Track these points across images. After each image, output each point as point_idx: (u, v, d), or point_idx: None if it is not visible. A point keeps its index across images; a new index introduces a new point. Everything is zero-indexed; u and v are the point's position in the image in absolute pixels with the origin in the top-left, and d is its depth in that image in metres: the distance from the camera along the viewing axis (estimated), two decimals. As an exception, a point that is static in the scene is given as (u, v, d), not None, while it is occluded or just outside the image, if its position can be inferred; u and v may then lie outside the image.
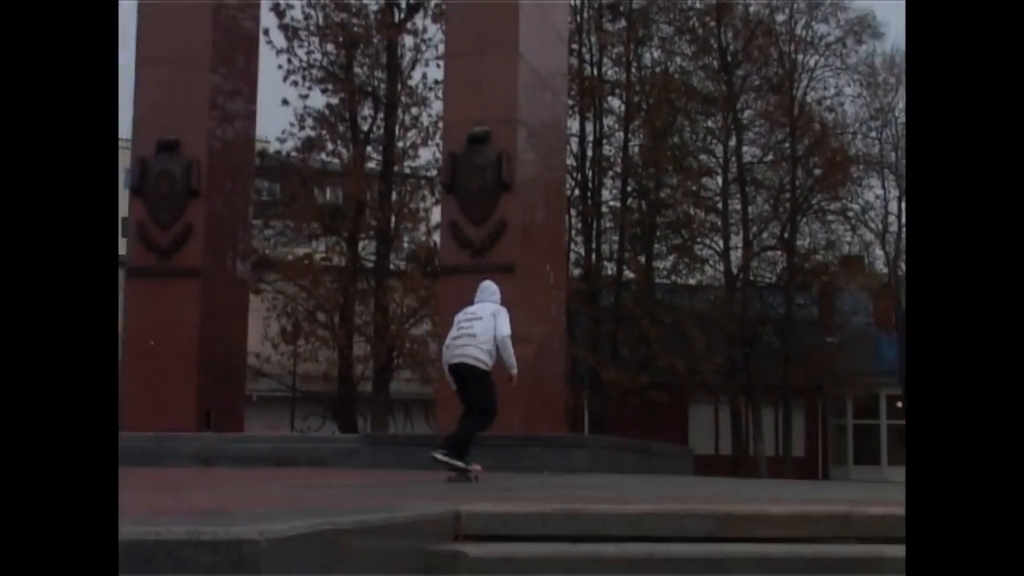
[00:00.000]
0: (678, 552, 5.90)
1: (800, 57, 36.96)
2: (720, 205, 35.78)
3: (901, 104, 37.83)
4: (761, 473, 32.34)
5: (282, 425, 34.43)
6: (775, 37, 36.16)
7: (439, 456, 10.81)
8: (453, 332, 11.45)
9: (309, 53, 29.79)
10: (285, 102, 29.34)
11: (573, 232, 32.99)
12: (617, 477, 14.21)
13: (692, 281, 36.06)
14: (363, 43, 29.93)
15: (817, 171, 36.05)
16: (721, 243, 35.72)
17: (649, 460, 19.90)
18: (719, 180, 36.29)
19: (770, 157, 37.16)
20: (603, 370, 31.79)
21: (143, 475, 10.28)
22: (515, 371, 11.35)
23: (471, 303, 11.74)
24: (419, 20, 30.29)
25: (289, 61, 29.41)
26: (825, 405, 39.49)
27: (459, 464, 10.84)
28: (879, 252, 38.84)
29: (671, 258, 35.78)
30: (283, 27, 29.43)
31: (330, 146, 30.21)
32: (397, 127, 29.97)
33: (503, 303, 11.65)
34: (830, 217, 37.33)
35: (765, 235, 36.75)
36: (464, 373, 11.22)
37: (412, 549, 5.54)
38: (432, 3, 29.76)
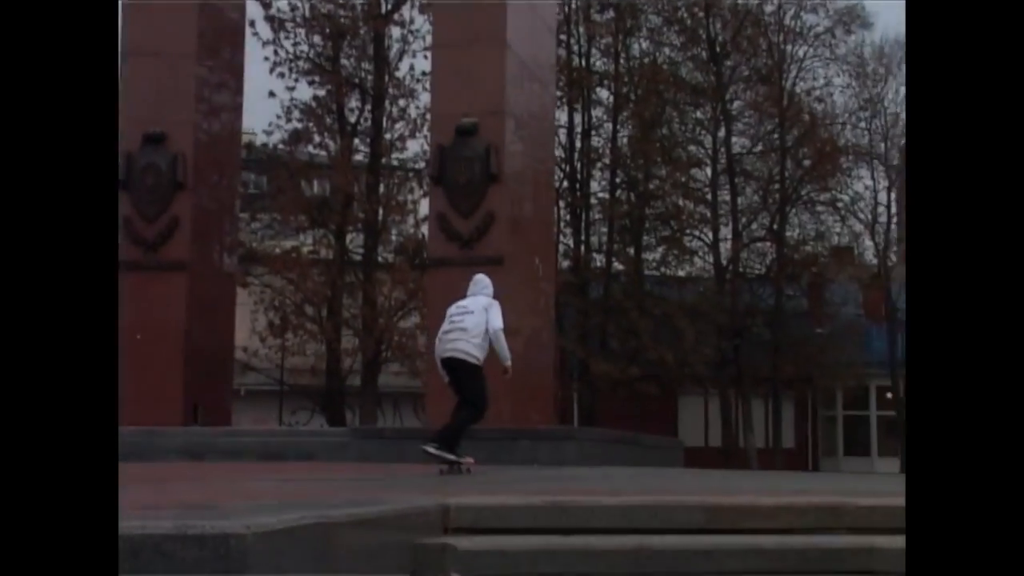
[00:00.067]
0: (668, 544, 5.89)
1: (789, 47, 36.83)
2: (709, 196, 35.68)
3: (890, 95, 37.93)
4: (751, 465, 32.32)
5: (270, 419, 34.36)
6: (764, 27, 36.06)
7: (431, 449, 10.88)
8: (445, 326, 11.48)
9: (295, 45, 29.78)
10: (272, 94, 29.29)
11: (562, 224, 32.96)
12: (607, 469, 14.24)
13: (681, 273, 35.98)
14: (350, 34, 29.87)
15: (806, 162, 35.98)
16: (710, 234, 35.65)
17: (639, 452, 19.86)
18: (708, 171, 36.24)
19: (759, 148, 37.07)
20: (592, 362, 31.73)
21: (130, 470, 10.10)
22: (509, 363, 11.40)
23: (463, 296, 11.74)
24: (406, 11, 30.30)
25: (275, 53, 29.39)
26: (815, 396, 39.45)
27: (450, 457, 10.89)
28: (868, 243, 38.80)
29: (660, 250, 35.71)
30: (269, 18, 29.34)
31: (317, 138, 30.20)
32: (385, 119, 29.94)
33: (495, 296, 11.64)
34: (819, 208, 37.23)
35: (754, 226, 36.67)
36: (455, 367, 11.26)
37: (401, 542, 5.52)
38: (419, -6, 29.68)
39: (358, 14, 29.94)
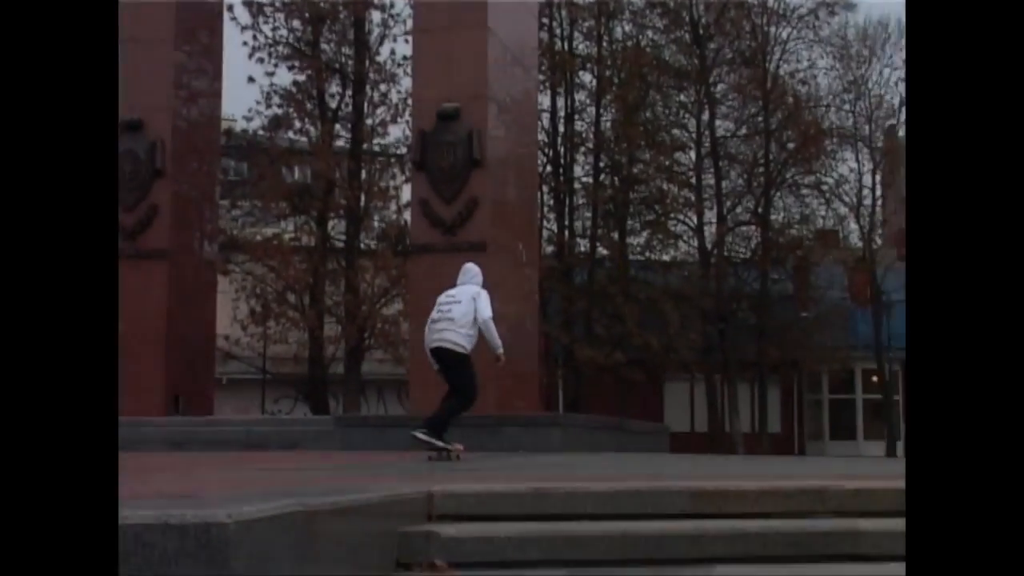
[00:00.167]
0: (653, 529, 5.91)
1: (773, 29, 36.74)
2: (694, 180, 35.65)
3: (874, 76, 37.95)
4: (737, 450, 32.34)
5: (252, 408, 34.37)
6: (747, 9, 35.96)
7: (419, 435, 11.06)
8: (434, 314, 11.63)
9: (275, 29, 29.61)
10: (251, 80, 29.14)
11: (545, 209, 32.86)
12: (592, 456, 14.30)
13: (666, 257, 35.95)
14: (330, 19, 29.72)
15: (791, 145, 35.94)
16: (695, 218, 35.61)
17: (624, 438, 19.87)
18: (692, 155, 36.21)
19: (743, 131, 37.03)
20: (577, 348, 31.67)
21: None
22: (501, 351, 11.53)
23: (453, 285, 11.84)
24: (387, -5, 29.98)
25: (254, 38, 29.23)
26: (801, 380, 39.51)
27: (439, 443, 11.07)
28: (853, 226, 38.77)
29: (645, 234, 35.64)
30: (247, 3, 29.20)
31: (298, 124, 30.04)
32: (366, 104, 29.74)
33: (483, 285, 11.74)
34: (804, 191, 37.21)
35: (739, 210, 36.65)
36: (443, 357, 11.42)
37: (385, 530, 5.52)
38: (400, -23, 29.49)
39: (338, -2, 29.76)
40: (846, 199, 38.10)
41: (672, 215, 35.70)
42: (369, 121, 29.87)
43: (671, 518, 6.07)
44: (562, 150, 34.11)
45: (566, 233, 33.86)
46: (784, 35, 36.92)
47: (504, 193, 17.92)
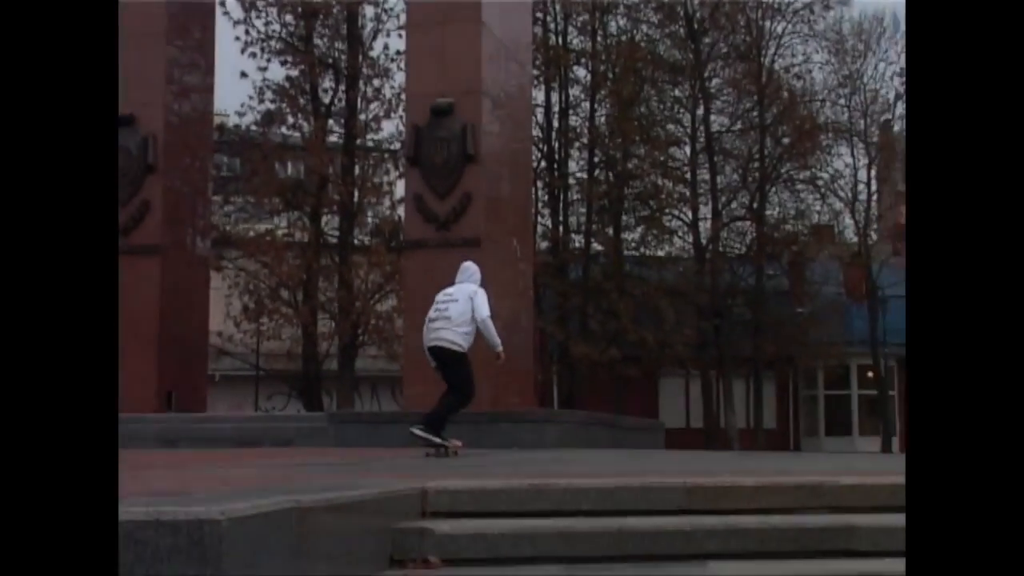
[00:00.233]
0: (648, 525, 5.93)
1: (767, 24, 36.70)
2: (688, 175, 35.64)
3: (869, 71, 37.90)
4: (733, 446, 32.33)
5: (246, 405, 34.34)
6: (742, 4, 35.96)
7: (417, 431, 11.18)
8: (431, 313, 11.74)
9: (267, 24, 29.51)
10: (243, 75, 29.05)
11: (540, 204, 32.87)
12: (587, 452, 14.32)
13: (661, 253, 35.97)
14: (322, 13, 29.62)
15: (786, 140, 35.94)
16: (690, 214, 35.62)
17: (619, 434, 19.87)
18: (687, 150, 36.23)
19: (738, 126, 37.03)
20: (572, 344, 31.65)
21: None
22: (500, 349, 11.66)
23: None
24: (380, -11, 29.91)
25: (247, 32, 29.11)
26: (796, 376, 39.50)
27: (436, 440, 11.20)
28: (848, 221, 38.81)
29: (639, 230, 35.65)
30: (240, -2, 29.00)
31: (291, 119, 29.98)
32: (359, 99, 29.72)
33: (481, 284, 11.84)
34: (799, 186, 37.22)
35: (734, 205, 36.65)
36: (440, 355, 11.54)
37: (379, 527, 5.53)
38: (392, -28, 29.42)
39: (331, -8, 29.67)
40: (841, 194, 38.16)
41: (667, 210, 35.66)
42: (362, 116, 29.86)
43: (667, 514, 6.09)
44: (556, 145, 34.08)
45: (560, 229, 33.79)
46: (779, 29, 36.94)
47: (498, 189, 17.88)
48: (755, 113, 36.17)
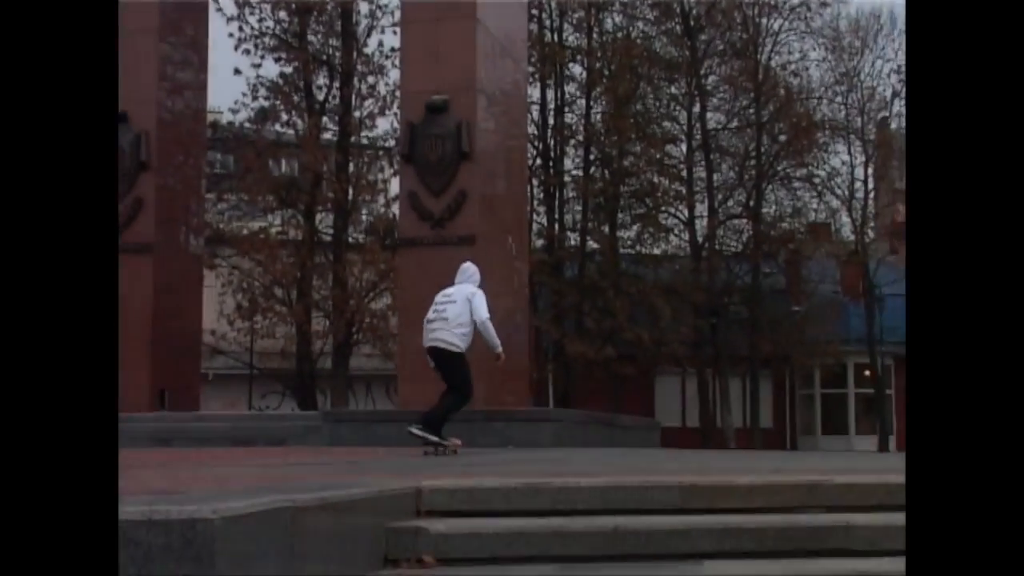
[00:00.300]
0: (644, 525, 5.86)
1: (764, 21, 36.62)
2: (684, 173, 35.61)
3: (866, 68, 37.85)
4: (729, 444, 32.31)
5: (239, 403, 34.28)
6: (739, 0, 35.82)
7: (415, 430, 11.26)
8: (430, 314, 11.83)
9: (261, 21, 29.55)
10: (237, 71, 29.07)
11: (535, 202, 32.85)
12: (583, 451, 14.32)
13: (657, 251, 35.92)
14: (316, 10, 29.68)
15: (782, 137, 35.88)
16: (686, 212, 35.57)
17: (615, 433, 19.85)
18: (683, 147, 36.20)
19: (735, 123, 36.97)
20: (568, 343, 31.60)
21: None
22: (499, 350, 11.75)
23: (451, 283, 11.98)
24: (374, -14, 29.85)
25: (240, 29, 29.13)
26: (793, 375, 39.41)
27: (434, 438, 11.27)
28: (845, 219, 38.77)
29: (635, 228, 35.66)
30: (233, -6, 28.96)
31: (285, 117, 30.05)
32: (353, 96, 29.69)
33: (480, 285, 11.90)
34: (796, 184, 37.15)
35: (731, 203, 36.58)
36: (438, 356, 11.62)
37: (373, 526, 5.48)
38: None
39: (324, -11, 29.64)
40: (838, 192, 38.10)
41: (663, 208, 35.63)
42: (357, 113, 29.83)
43: (663, 513, 6.05)
44: (552, 143, 34.05)
45: (556, 226, 33.81)
46: (776, 26, 36.84)
47: (493, 186, 17.85)
48: (751, 110, 36.11)
